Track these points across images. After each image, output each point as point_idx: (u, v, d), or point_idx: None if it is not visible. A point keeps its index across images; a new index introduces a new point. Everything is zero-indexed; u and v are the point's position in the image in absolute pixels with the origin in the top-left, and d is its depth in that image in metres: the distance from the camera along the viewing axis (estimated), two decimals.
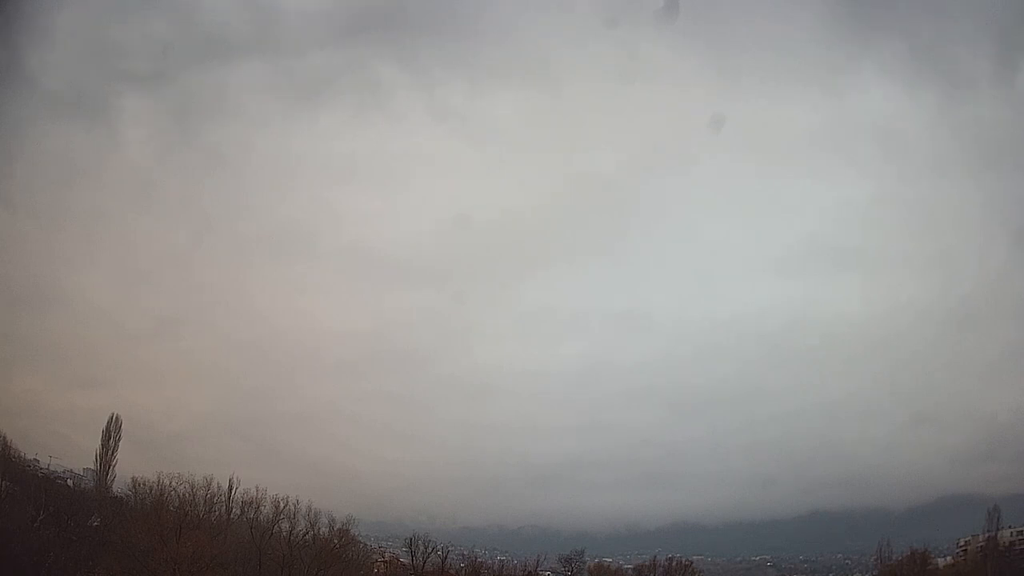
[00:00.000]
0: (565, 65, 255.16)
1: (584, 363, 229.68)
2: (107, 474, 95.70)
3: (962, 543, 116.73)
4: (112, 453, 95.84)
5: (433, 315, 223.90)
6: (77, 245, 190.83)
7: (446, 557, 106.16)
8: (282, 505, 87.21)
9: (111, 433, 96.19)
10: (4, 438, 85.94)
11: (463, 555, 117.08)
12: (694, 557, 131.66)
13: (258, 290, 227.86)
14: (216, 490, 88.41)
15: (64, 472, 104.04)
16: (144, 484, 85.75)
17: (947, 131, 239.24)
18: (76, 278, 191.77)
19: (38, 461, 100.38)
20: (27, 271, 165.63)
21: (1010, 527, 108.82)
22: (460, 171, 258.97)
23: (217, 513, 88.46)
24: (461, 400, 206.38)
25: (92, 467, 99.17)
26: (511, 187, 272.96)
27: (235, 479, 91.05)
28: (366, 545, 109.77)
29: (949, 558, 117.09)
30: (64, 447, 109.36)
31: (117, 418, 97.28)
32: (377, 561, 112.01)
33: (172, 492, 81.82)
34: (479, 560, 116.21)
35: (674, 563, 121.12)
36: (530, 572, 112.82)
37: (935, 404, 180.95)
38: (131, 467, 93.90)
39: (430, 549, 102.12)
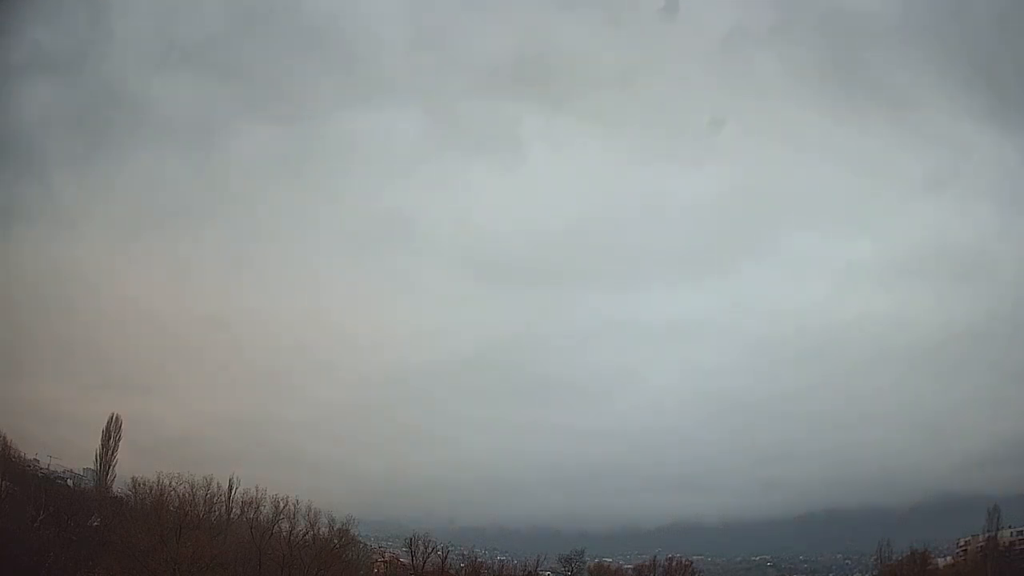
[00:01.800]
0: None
1: (617, 371, 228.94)
2: (107, 474, 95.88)
3: (962, 543, 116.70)
4: (112, 453, 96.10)
5: (455, 322, 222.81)
6: (115, 251, 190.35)
7: (446, 557, 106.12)
8: (282, 505, 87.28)
9: (111, 433, 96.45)
10: (4, 438, 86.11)
11: (463, 555, 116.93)
12: (694, 557, 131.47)
13: (294, 297, 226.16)
14: (216, 490, 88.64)
15: (64, 472, 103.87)
16: (144, 484, 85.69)
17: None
18: (110, 284, 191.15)
19: (38, 461, 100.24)
20: (58, 276, 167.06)
21: (1010, 527, 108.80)
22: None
23: (217, 513, 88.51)
24: (471, 402, 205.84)
25: (92, 467, 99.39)
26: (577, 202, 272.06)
27: (235, 479, 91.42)
28: (366, 545, 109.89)
29: (949, 558, 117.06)
30: (64, 447, 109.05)
31: (117, 418, 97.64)
32: (377, 561, 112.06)
33: (172, 492, 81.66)
34: (479, 560, 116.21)
35: (674, 563, 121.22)
36: (530, 572, 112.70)
37: (943, 411, 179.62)
38: (131, 467, 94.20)
39: (430, 549, 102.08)
